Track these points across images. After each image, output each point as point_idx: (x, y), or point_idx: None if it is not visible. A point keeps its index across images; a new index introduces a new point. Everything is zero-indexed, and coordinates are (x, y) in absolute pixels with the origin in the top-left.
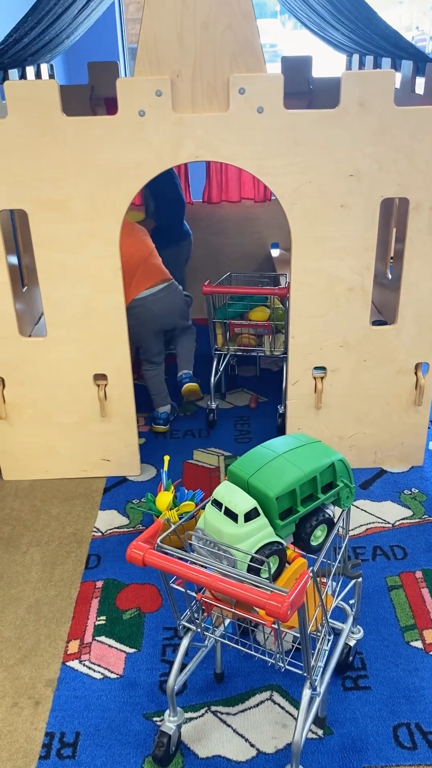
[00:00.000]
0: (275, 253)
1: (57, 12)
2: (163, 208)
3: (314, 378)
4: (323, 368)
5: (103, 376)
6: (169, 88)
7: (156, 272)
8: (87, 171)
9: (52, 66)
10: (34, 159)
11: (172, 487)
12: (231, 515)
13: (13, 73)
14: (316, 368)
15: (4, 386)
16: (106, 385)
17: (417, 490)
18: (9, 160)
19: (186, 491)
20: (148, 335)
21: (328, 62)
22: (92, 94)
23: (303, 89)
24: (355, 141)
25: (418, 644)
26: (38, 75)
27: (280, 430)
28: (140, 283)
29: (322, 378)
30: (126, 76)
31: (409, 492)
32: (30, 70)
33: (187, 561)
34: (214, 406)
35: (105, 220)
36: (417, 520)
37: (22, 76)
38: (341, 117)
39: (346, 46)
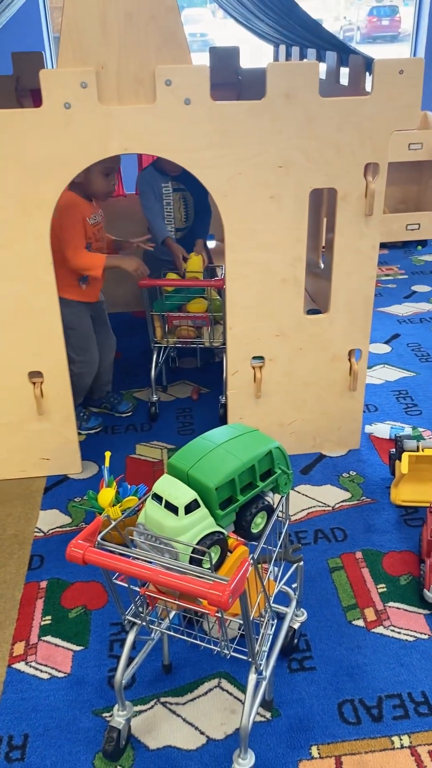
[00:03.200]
0: (211, 244)
1: None
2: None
3: (253, 368)
4: (261, 358)
5: (39, 374)
6: (94, 80)
7: None
8: (13, 165)
9: None
10: None
11: (114, 483)
12: (171, 508)
13: None
14: (254, 358)
15: None
16: (42, 382)
17: (355, 473)
18: None
19: (129, 486)
20: None
21: (258, 53)
22: (18, 86)
23: (232, 80)
24: (283, 132)
25: (360, 623)
26: None
27: (222, 421)
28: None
29: (260, 367)
30: (52, 67)
31: (348, 475)
32: None
33: (129, 556)
34: (155, 399)
35: (34, 216)
36: (356, 502)
37: None
38: (268, 108)
39: (272, 37)
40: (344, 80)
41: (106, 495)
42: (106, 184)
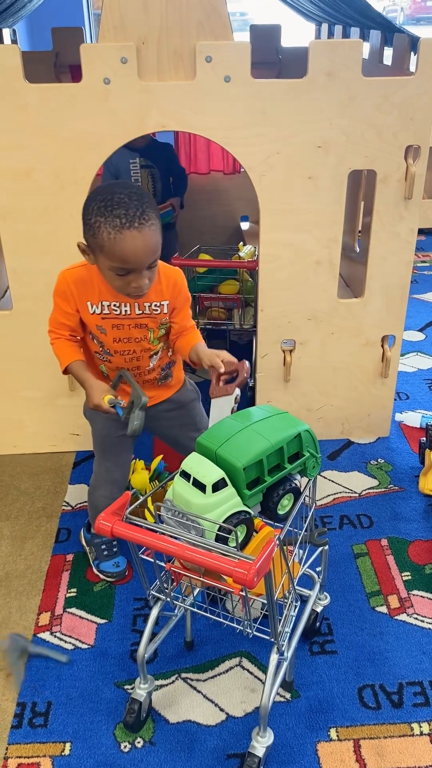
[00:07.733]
0: (245, 226)
1: None
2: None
3: (283, 351)
4: (292, 341)
5: None
6: (134, 55)
7: None
8: (51, 140)
9: (14, 31)
10: None
11: (154, 464)
12: (199, 486)
13: None
14: (284, 341)
15: None
16: None
17: (383, 461)
18: None
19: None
20: None
21: (297, 31)
22: (57, 61)
23: (272, 59)
24: (323, 111)
25: (383, 609)
26: (0, 40)
27: (250, 403)
28: None
29: (290, 351)
30: (91, 42)
31: (376, 462)
32: None
33: (156, 532)
34: None
35: (70, 191)
36: (383, 490)
37: None
38: (309, 87)
39: (315, 15)
40: (387, 61)
41: (141, 477)
42: (119, 284)
